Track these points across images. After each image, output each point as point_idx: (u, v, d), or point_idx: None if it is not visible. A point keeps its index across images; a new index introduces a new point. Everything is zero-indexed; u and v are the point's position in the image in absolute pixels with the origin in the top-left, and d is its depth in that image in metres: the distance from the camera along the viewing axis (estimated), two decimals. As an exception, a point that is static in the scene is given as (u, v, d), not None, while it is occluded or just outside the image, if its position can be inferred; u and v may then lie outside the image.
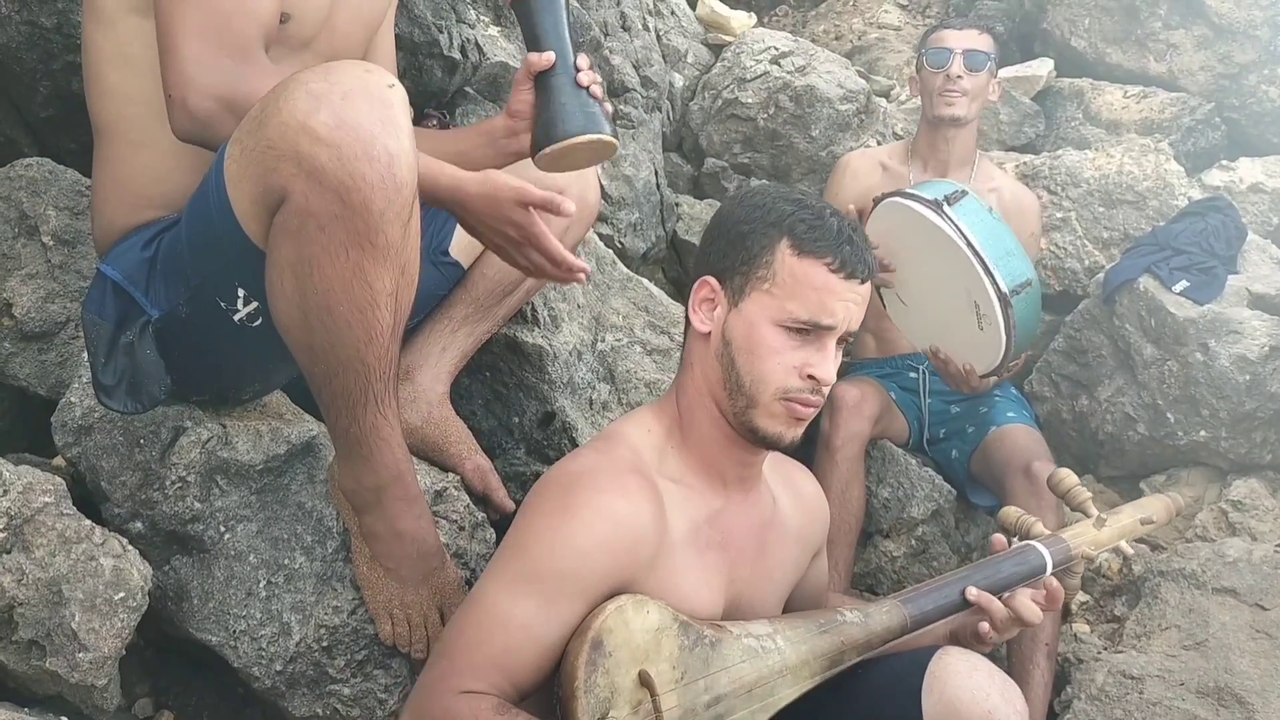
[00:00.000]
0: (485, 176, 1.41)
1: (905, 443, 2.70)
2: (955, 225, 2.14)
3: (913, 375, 2.75)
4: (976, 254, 2.13)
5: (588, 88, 1.52)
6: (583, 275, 1.51)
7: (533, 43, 1.56)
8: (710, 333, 1.46)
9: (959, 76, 2.71)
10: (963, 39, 2.74)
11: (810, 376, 1.39)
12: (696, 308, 1.48)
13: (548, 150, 1.49)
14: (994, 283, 2.13)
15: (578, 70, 1.52)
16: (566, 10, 1.57)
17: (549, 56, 1.52)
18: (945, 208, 2.17)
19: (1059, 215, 3.22)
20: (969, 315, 2.23)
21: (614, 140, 1.52)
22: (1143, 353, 2.72)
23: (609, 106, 1.56)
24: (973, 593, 1.50)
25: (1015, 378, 2.87)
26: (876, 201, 2.36)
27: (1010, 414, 2.62)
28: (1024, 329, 2.20)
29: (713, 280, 1.47)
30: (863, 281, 1.42)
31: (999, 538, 1.61)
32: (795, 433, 1.44)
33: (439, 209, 1.47)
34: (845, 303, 1.40)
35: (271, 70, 1.37)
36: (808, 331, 1.40)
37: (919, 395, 2.72)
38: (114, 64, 1.47)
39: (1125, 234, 3.13)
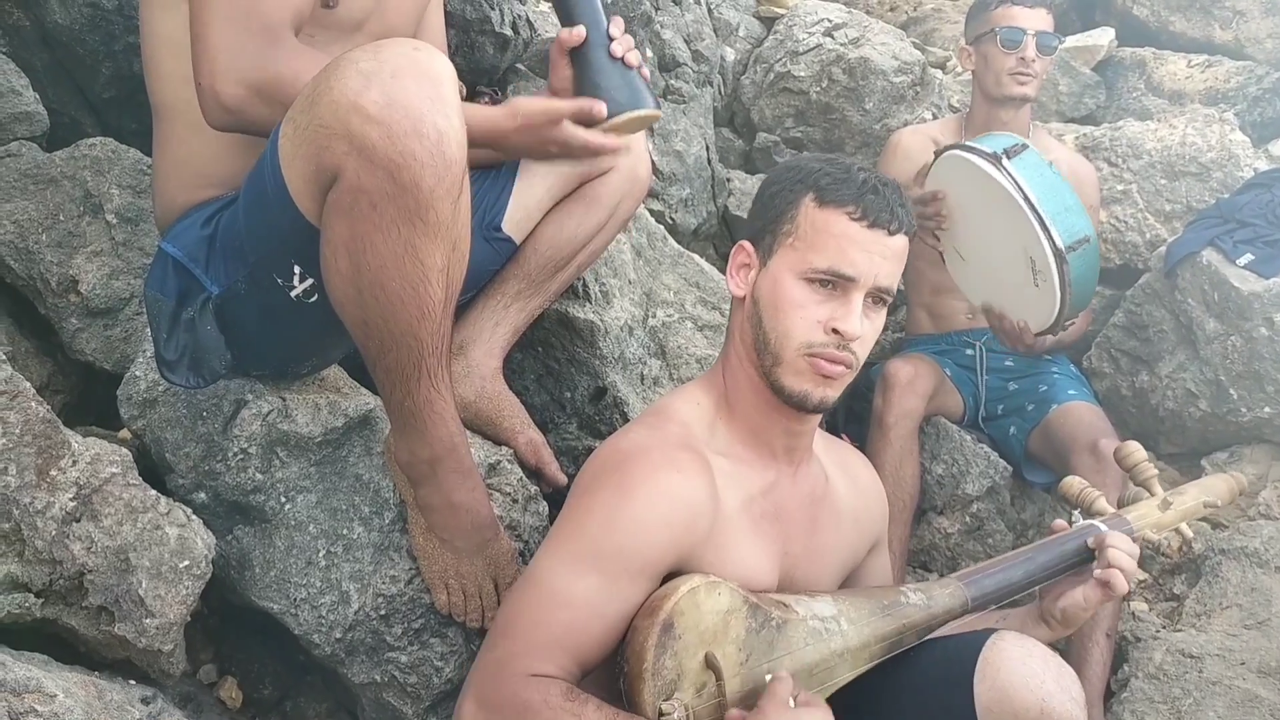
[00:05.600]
0: (513, 109, 1.44)
1: (960, 419, 2.68)
2: (1013, 178, 2.11)
3: (969, 352, 2.71)
4: (1033, 208, 2.09)
5: (623, 57, 1.50)
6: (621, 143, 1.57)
7: (565, 17, 1.53)
8: (745, 296, 1.47)
9: (1033, 59, 2.65)
10: (1034, 19, 2.67)
11: (835, 331, 1.37)
12: (734, 273, 1.49)
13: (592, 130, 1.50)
14: (1050, 238, 2.09)
15: (611, 40, 1.50)
16: None
17: (580, 32, 1.50)
18: (1004, 161, 2.13)
19: (1119, 188, 3.15)
20: (1025, 271, 2.20)
21: (657, 111, 1.51)
22: (1205, 327, 2.67)
23: (647, 71, 1.54)
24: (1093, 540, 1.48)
25: (1074, 353, 2.83)
26: (938, 154, 2.33)
27: (1071, 391, 2.58)
28: (1080, 287, 2.16)
29: (747, 244, 1.48)
30: (891, 234, 1.39)
31: (1060, 522, 1.58)
32: (825, 393, 1.41)
33: (479, 147, 1.47)
34: (868, 253, 1.38)
35: (301, 51, 1.38)
36: (832, 284, 1.38)
37: (975, 372, 2.69)
38: (169, 49, 1.49)
39: (1188, 206, 3.07)
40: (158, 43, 1.51)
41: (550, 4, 2.74)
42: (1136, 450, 1.69)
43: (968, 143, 2.28)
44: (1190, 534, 1.65)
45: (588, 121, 1.49)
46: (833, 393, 1.42)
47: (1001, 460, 2.58)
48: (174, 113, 1.53)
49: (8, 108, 1.90)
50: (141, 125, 1.92)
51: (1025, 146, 2.15)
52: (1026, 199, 2.09)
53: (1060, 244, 2.08)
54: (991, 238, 2.26)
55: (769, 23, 3.86)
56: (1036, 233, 2.10)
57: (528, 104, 1.44)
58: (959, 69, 3.89)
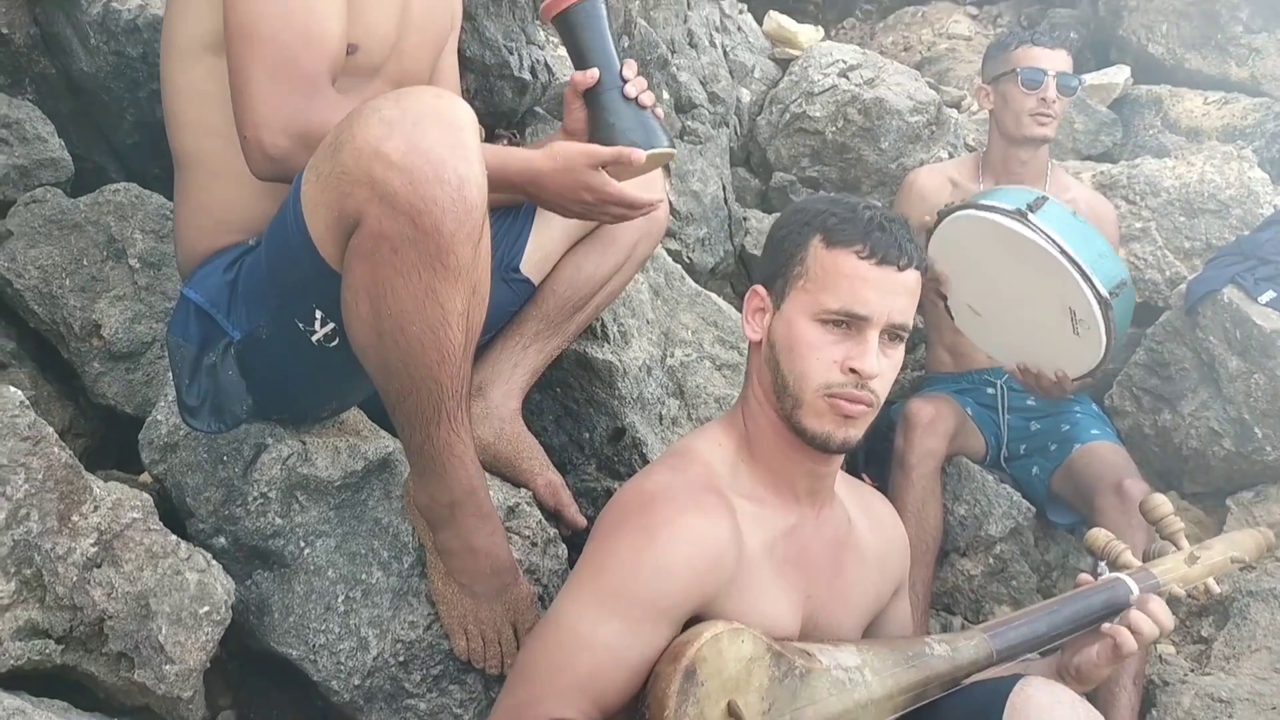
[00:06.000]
0: (552, 150, 1.45)
1: (982, 459, 2.66)
2: (1044, 233, 2.09)
3: (990, 391, 2.70)
4: (1071, 260, 2.07)
5: (636, 98, 1.51)
6: (660, 203, 1.57)
7: (576, 59, 1.55)
8: (761, 340, 1.47)
9: (1054, 100, 2.66)
10: (1055, 60, 2.68)
11: (852, 370, 1.37)
12: (749, 317, 1.49)
13: (606, 170, 1.50)
14: (1093, 288, 2.07)
15: (624, 81, 1.52)
16: (609, 21, 1.55)
17: (593, 74, 1.52)
18: (1030, 215, 2.12)
19: (1138, 225, 3.15)
20: (1062, 322, 2.18)
21: (670, 150, 1.52)
22: (1228, 365, 2.65)
23: (660, 111, 1.56)
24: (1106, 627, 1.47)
25: (1095, 392, 2.82)
26: (941, 215, 2.31)
27: (1095, 431, 2.56)
28: (1121, 329, 2.16)
29: (760, 288, 1.48)
30: (901, 269, 1.39)
31: (1085, 575, 1.57)
32: (847, 433, 1.40)
33: (515, 192, 1.49)
34: (880, 291, 1.38)
35: (340, 101, 1.40)
36: (846, 324, 1.38)
37: (997, 411, 2.68)
38: (191, 99, 1.51)
39: (1208, 244, 3.05)
40: (178, 93, 1.53)
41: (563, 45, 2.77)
42: (1163, 504, 1.67)
43: (982, 201, 2.24)
44: (1218, 590, 1.63)
45: (624, 169, 1.50)
46: (855, 432, 1.41)
47: (1025, 501, 2.55)
48: (195, 161, 1.54)
49: (34, 154, 1.93)
50: (165, 170, 1.93)
51: (1045, 199, 2.15)
52: (1063, 250, 2.07)
53: (1104, 291, 2.07)
54: (1016, 293, 2.24)
55: (784, 64, 3.88)
56: (1078, 283, 2.08)
57: (566, 147, 1.45)
58: (974, 108, 3.90)
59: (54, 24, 2.04)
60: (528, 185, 1.46)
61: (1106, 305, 2.08)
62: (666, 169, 2.91)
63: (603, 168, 1.46)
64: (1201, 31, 3.87)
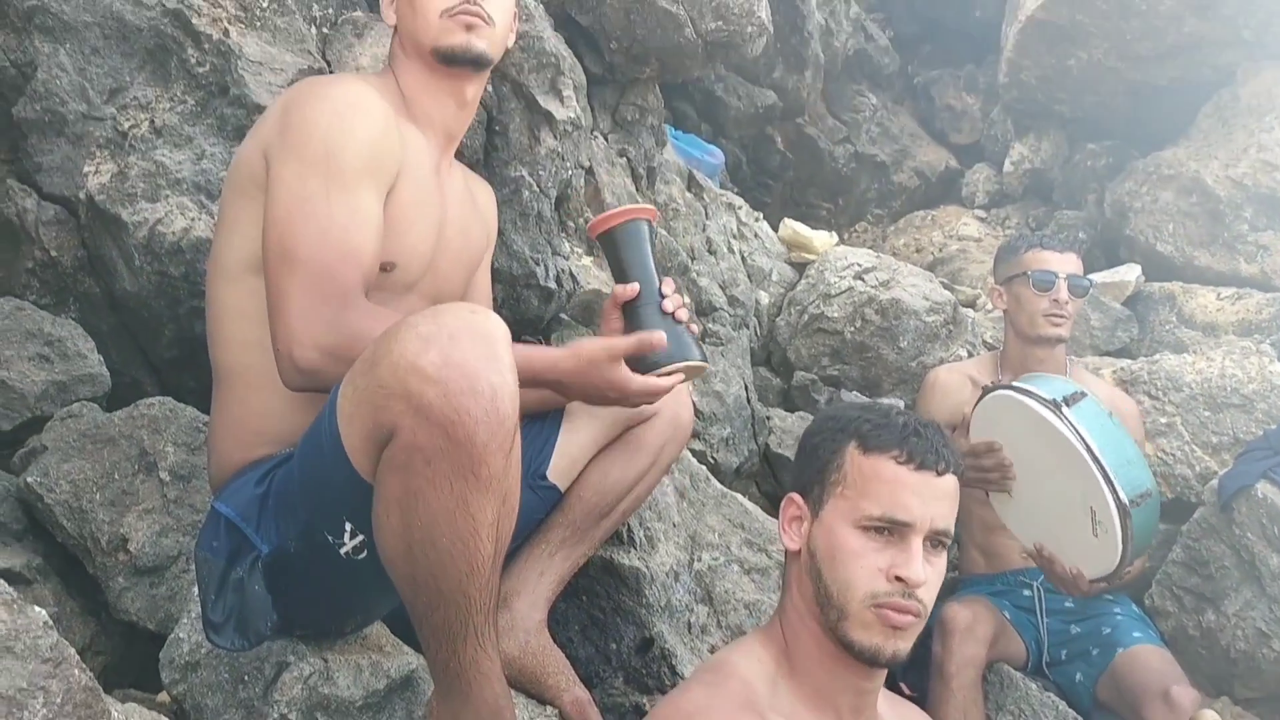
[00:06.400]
0: (574, 350, 1.49)
1: (1024, 666, 2.56)
2: (1075, 428, 2.08)
3: (1027, 593, 2.63)
4: (1097, 461, 2.06)
5: (673, 313, 1.57)
6: (678, 379, 1.58)
7: (619, 274, 1.62)
8: (800, 549, 1.44)
9: (1066, 301, 2.71)
10: (1065, 263, 2.74)
11: (898, 578, 1.34)
12: (786, 526, 1.47)
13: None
14: (1114, 492, 2.05)
15: (663, 297, 1.58)
16: (650, 239, 1.63)
17: (634, 288, 1.58)
18: (1064, 409, 2.11)
19: (1163, 420, 3.14)
20: (1083, 519, 2.15)
21: (704, 364, 1.57)
22: (1269, 563, 2.58)
23: (696, 328, 1.61)
24: None
25: (1134, 592, 2.74)
26: (986, 391, 2.32)
27: (1136, 634, 2.48)
28: (1140, 540, 2.11)
29: (797, 497, 1.47)
30: (940, 474, 1.38)
31: None
32: (897, 645, 1.36)
33: (540, 388, 1.52)
34: (921, 496, 1.37)
35: (372, 311, 1.45)
36: (888, 531, 1.36)
37: (1035, 614, 2.60)
38: (233, 316, 1.57)
39: (1235, 438, 3.04)
40: (222, 311, 1.59)
41: (593, 259, 2.86)
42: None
43: (1022, 384, 2.25)
44: None
45: (645, 359, 1.54)
46: (904, 644, 1.37)
47: (1071, 710, 2.44)
48: (234, 375, 1.59)
49: (74, 370, 1.98)
50: (200, 384, 1.98)
51: (1084, 394, 2.15)
52: (1090, 450, 2.07)
53: (1124, 498, 2.04)
54: (1046, 481, 2.23)
55: (800, 268, 3.99)
56: (1100, 485, 2.06)
57: (588, 343, 1.50)
58: (989, 306, 3.97)
59: (101, 247, 2.13)
60: (553, 383, 1.50)
61: (1125, 513, 2.05)
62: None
63: (624, 360, 1.50)
64: (1208, 230, 3.97)
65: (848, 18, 5.06)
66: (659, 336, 1.51)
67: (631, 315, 1.59)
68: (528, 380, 1.42)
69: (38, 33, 2.16)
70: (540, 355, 1.49)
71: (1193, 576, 2.79)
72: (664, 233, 3.10)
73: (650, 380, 1.54)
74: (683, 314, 1.57)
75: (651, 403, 1.62)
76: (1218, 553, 2.73)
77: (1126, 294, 3.98)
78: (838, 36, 4.92)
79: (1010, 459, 2.29)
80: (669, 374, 1.55)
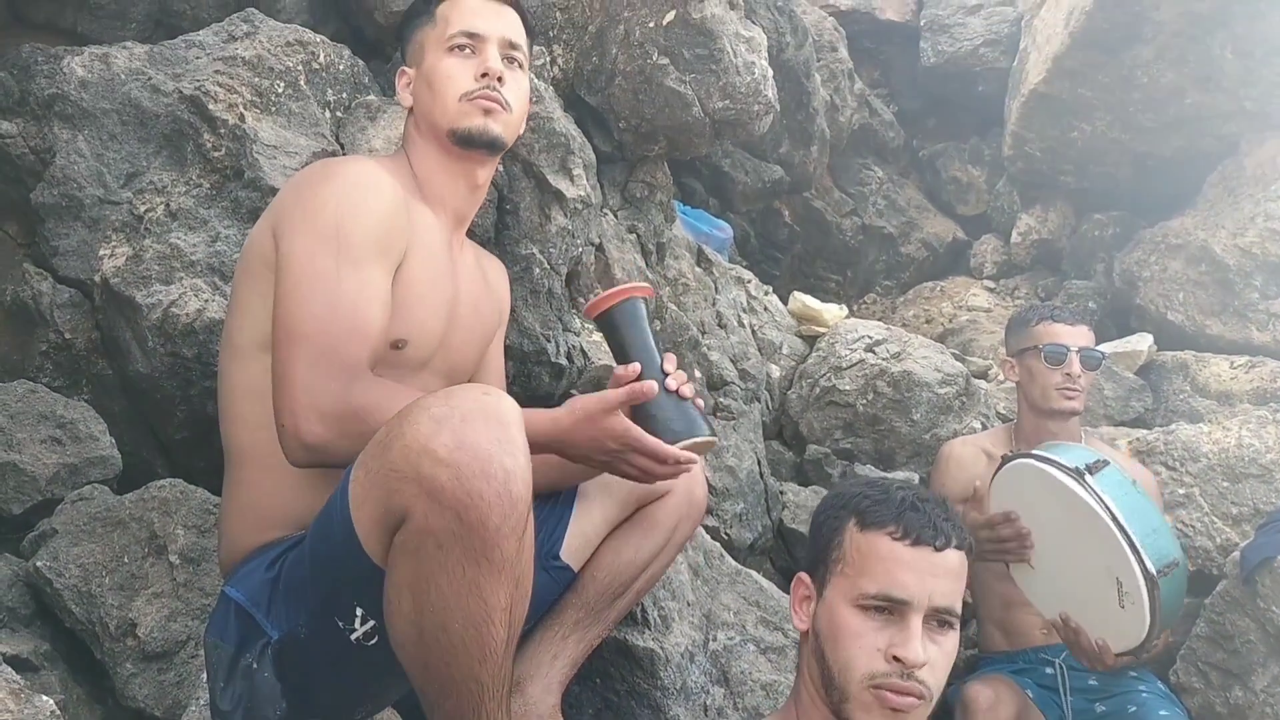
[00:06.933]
0: (572, 405, 1.48)
1: (1048, 746, 2.50)
2: (1099, 498, 2.06)
3: (1049, 671, 2.57)
4: (1123, 530, 2.03)
5: (677, 390, 1.55)
6: (692, 463, 1.53)
7: (619, 355, 1.60)
8: (808, 630, 1.43)
9: (1079, 375, 2.69)
10: (1077, 336, 2.73)
11: (896, 658, 1.32)
12: (796, 607, 1.47)
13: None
14: (1140, 562, 2.01)
15: (665, 375, 1.56)
16: (647, 317, 1.61)
17: (634, 368, 1.56)
18: (1087, 477, 2.09)
19: (1181, 492, 3.10)
20: (1108, 591, 2.10)
21: (713, 439, 1.55)
22: (1296, 637, 2.53)
23: (701, 402, 1.59)
24: None
25: (1159, 668, 2.68)
26: (1005, 460, 2.29)
27: (1163, 711, 2.42)
28: (1169, 611, 2.07)
29: (805, 576, 1.47)
30: (938, 550, 1.37)
31: None
32: None
33: (545, 452, 1.49)
34: (918, 573, 1.35)
35: (378, 384, 1.45)
36: (887, 610, 1.35)
37: (1059, 693, 2.54)
38: (245, 395, 1.57)
39: (1255, 509, 3.00)
40: (234, 389, 1.59)
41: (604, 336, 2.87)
42: None
43: (1043, 453, 2.23)
44: None
45: (641, 402, 1.52)
46: None
47: (1098, 792, 2.38)
48: (247, 456, 1.58)
49: (85, 453, 1.98)
50: (210, 464, 1.97)
51: (1107, 462, 2.13)
52: (1115, 519, 2.04)
53: (1151, 569, 2.01)
54: (1069, 551, 2.19)
55: (810, 340, 3.99)
56: (1126, 556, 2.03)
57: (584, 398, 1.50)
58: (1001, 377, 3.96)
59: (115, 329, 2.14)
60: (554, 443, 1.48)
61: (1154, 584, 2.01)
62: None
63: (620, 409, 1.48)
64: (1218, 299, 3.97)
65: (852, 93, 5.13)
66: (650, 385, 1.48)
67: None
68: (531, 442, 1.41)
69: (57, 120, 2.20)
70: (540, 415, 1.48)
71: (1218, 651, 2.73)
72: (674, 307, 3.11)
73: (650, 440, 1.49)
74: (687, 390, 1.56)
75: (672, 475, 1.58)
76: (1242, 627, 2.68)
77: (1139, 363, 3.96)
78: (843, 112, 4.98)
79: (1029, 528, 2.26)
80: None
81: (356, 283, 1.50)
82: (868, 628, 1.35)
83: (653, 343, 1.59)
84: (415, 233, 1.64)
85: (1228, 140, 4.38)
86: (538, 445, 1.45)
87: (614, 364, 2.43)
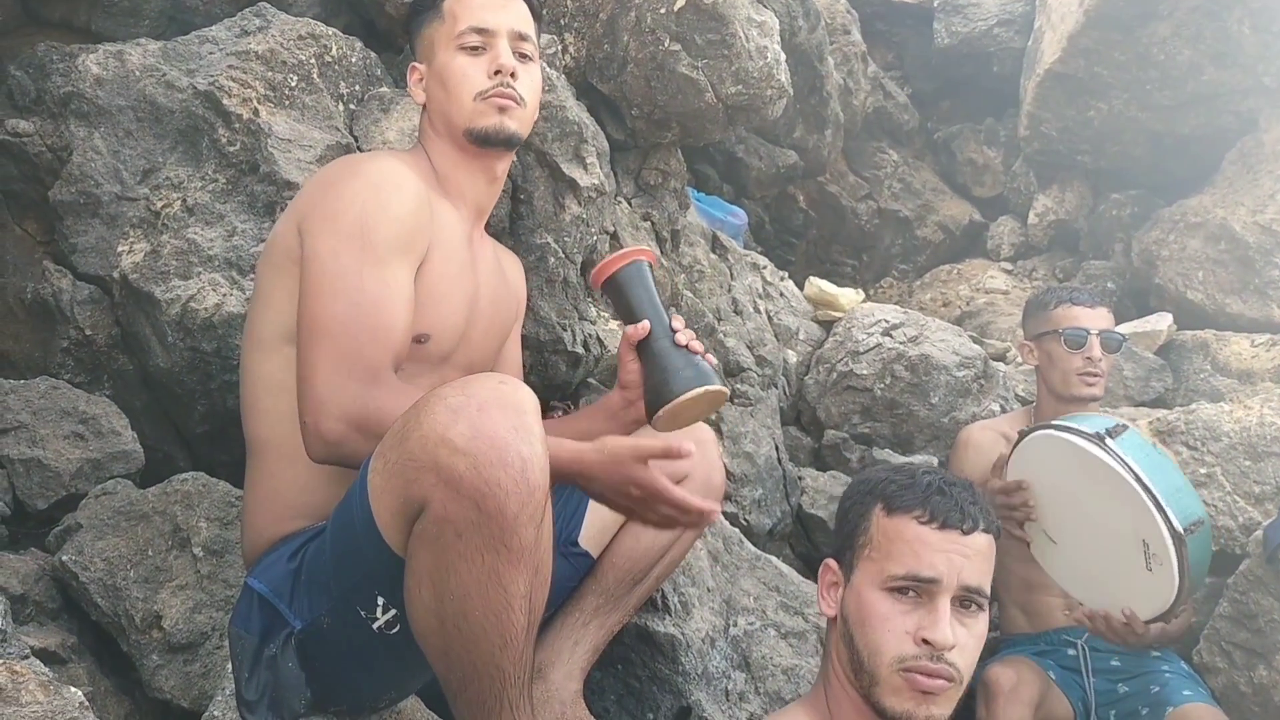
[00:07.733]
0: (602, 443, 1.45)
1: (1071, 728, 2.50)
2: (1121, 459, 2.04)
3: (1071, 652, 2.57)
4: (1147, 489, 2.01)
5: (686, 345, 1.56)
6: (714, 515, 1.50)
7: (627, 316, 1.62)
8: (836, 615, 1.44)
9: (1099, 359, 2.67)
10: (1096, 319, 2.71)
11: (925, 641, 1.32)
12: (824, 593, 1.47)
13: (662, 412, 1.53)
14: (1167, 521, 1.99)
15: (674, 331, 1.57)
16: (653, 279, 1.63)
17: (644, 325, 1.58)
18: (1108, 440, 2.07)
19: (1203, 471, 3.08)
20: (1135, 555, 2.09)
21: (723, 388, 1.55)
22: (1321, 615, 2.51)
23: (712, 358, 1.60)
24: None
25: (1181, 649, 2.67)
26: (1024, 434, 2.28)
27: (1186, 691, 2.41)
28: (1197, 570, 2.05)
29: (833, 562, 1.47)
30: (966, 532, 1.37)
31: None
32: (930, 711, 1.33)
33: (564, 483, 1.48)
34: (945, 554, 1.35)
35: (399, 389, 1.45)
36: (914, 592, 1.35)
37: (1081, 674, 2.53)
38: (268, 388, 1.59)
39: (1278, 487, 2.97)
40: (256, 382, 1.61)
41: (620, 324, 2.87)
42: None
43: (1062, 422, 2.21)
44: None
45: (661, 392, 1.51)
46: (939, 710, 1.34)
47: (1121, 772, 2.38)
48: (269, 447, 1.59)
49: (108, 448, 1.99)
50: (232, 457, 1.99)
51: (1125, 426, 2.11)
52: (1139, 479, 2.02)
53: (1178, 526, 1.99)
54: (1092, 520, 2.17)
55: (827, 325, 3.98)
56: (1152, 515, 2.01)
57: (615, 441, 1.45)
58: (1019, 360, 3.94)
59: (134, 324, 2.16)
60: (576, 477, 1.45)
61: (1181, 541, 2.00)
62: (720, 433, 2.93)
63: (650, 462, 1.43)
64: (1238, 277, 3.94)
65: (866, 76, 5.09)
66: (687, 447, 1.42)
67: (646, 353, 1.58)
68: (550, 470, 1.40)
69: (73, 118, 2.22)
70: (565, 447, 1.42)
71: (1241, 631, 2.72)
72: (689, 294, 3.11)
73: (675, 490, 1.44)
74: (697, 345, 1.56)
75: (694, 526, 1.57)
76: (1266, 605, 2.66)
77: (1159, 343, 3.93)
78: (856, 95, 4.95)
79: (1033, 499, 2.25)
80: (691, 400, 1.52)
81: (380, 282, 1.51)
82: (896, 611, 1.35)
83: (659, 301, 1.62)
84: (437, 229, 1.65)
85: (1246, 117, 4.33)
86: (557, 475, 1.41)
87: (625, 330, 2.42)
